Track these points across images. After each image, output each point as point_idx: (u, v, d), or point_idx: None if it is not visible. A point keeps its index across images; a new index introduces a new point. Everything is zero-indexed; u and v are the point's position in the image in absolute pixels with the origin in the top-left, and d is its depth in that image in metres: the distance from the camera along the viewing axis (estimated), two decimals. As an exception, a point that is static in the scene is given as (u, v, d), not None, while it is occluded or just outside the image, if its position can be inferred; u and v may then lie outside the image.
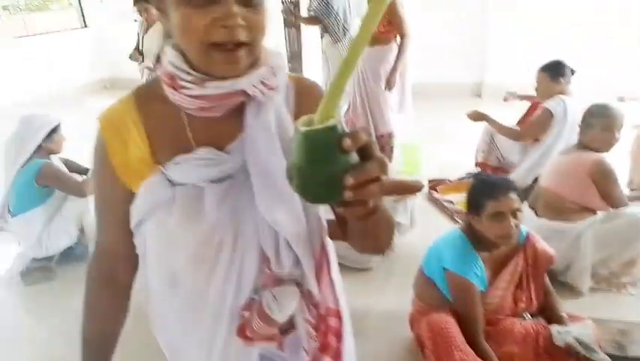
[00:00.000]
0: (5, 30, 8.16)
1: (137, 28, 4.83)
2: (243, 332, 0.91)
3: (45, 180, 3.08)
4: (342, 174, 0.54)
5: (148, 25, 4.64)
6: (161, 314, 1.00)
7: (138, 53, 4.80)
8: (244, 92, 0.83)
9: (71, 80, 8.11)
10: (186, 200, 0.86)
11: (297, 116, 0.88)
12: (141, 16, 4.65)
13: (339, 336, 0.95)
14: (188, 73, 0.81)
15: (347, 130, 0.56)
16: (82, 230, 3.30)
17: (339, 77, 0.54)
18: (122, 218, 0.92)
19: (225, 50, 0.77)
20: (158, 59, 4.47)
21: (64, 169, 3.29)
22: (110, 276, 1.02)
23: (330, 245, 0.99)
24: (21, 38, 7.99)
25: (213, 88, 0.81)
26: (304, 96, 0.95)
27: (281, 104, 0.90)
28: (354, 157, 0.55)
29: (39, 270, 3.17)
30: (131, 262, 0.98)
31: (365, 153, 0.55)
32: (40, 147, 3.11)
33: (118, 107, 0.91)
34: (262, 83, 0.84)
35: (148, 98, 0.90)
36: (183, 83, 0.82)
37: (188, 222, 0.86)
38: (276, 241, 0.89)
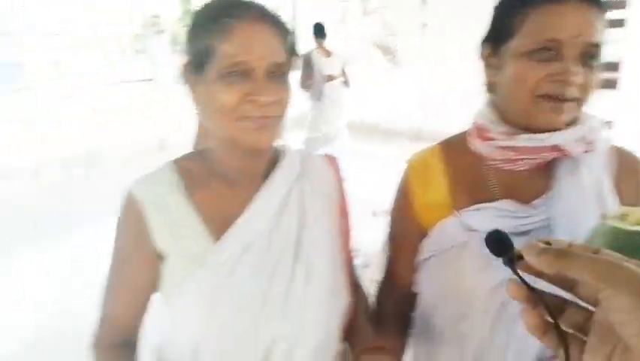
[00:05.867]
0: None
1: None
2: None
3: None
4: None
5: None
6: (432, 358, 0.99)
7: None
8: (557, 148, 0.82)
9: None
10: (481, 248, 0.85)
11: (616, 190, 0.85)
12: None
13: None
14: (499, 124, 0.86)
15: None
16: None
17: None
18: (413, 251, 0.97)
19: (554, 100, 0.79)
20: None
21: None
22: (399, 304, 1.05)
23: None
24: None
25: (525, 140, 0.82)
26: (627, 171, 0.88)
27: (600, 170, 0.85)
28: None
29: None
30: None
31: None
32: None
33: (425, 154, 0.99)
34: (579, 141, 0.82)
35: (453, 149, 0.97)
36: (493, 135, 0.86)
37: (480, 270, 0.86)
38: None
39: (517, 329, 0.84)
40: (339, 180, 0.99)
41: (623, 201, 0.84)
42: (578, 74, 0.76)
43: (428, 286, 0.95)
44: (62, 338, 2.68)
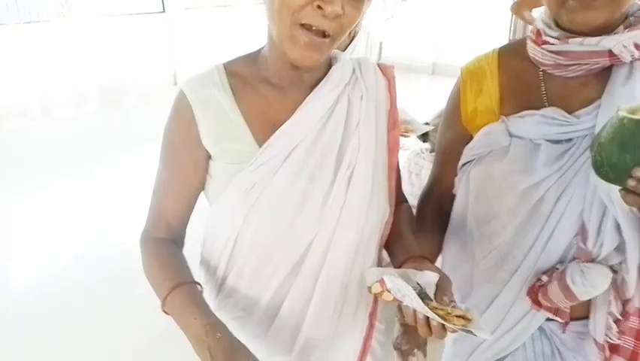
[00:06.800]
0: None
1: None
2: (535, 293, 0.91)
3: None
4: (634, 164, 0.58)
5: None
6: (455, 257, 1.05)
7: None
8: (610, 54, 0.80)
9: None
10: (520, 152, 0.89)
11: None
12: None
13: (638, 338, 0.87)
14: (554, 28, 0.84)
15: None
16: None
17: None
18: (458, 156, 0.99)
19: None
20: None
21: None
22: (439, 206, 1.08)
23: None
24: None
25: (576, 44, 0.81)
26: None
27: None
28: None
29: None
30: None
31: None
32: None
33: (481, 59, 0.99)
34: (636, 46, 0.80)
35: (510, 55, 0.96)
36: (547, 39, 0.85)
37: (516, 172, 0.88)
38: (603, 218, 0.84)
39: (543, 233, 0.87)
40: (393, 90, 0.97)
41: None
42: None
43: (465, 187, 0.98)
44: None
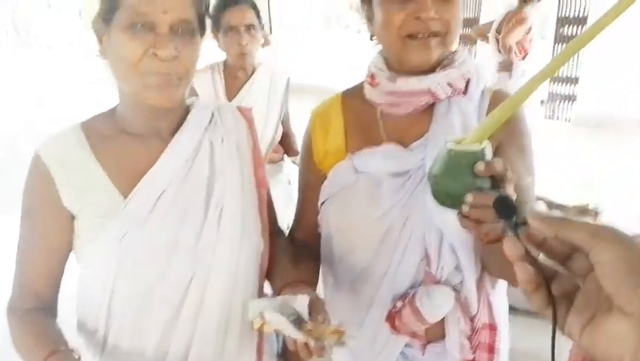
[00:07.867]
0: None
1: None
2: (392, 319, 0.96)
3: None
4: (465, 191, 0.63)
5: None
6: (331, 288, 1.09)
7: None
8: (430, 92, 0.89)
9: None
10: (366, 186, 0.96)
11: None
12: None
13: (491, 351, 0.93)
14: (384, 71, 0.94)
15: (489, 158, 0.64)
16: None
17: (500, 111, 0.61)
18: (317, 195, 1.04)
19: (418, 38, 0.86)
20: None
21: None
22: (308, 240, 1.11)
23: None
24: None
25: (402, 84, 0.91)
26: None
27: (470, 113, 0.92)
28: (487, 182, 0.64)
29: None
30: None
31: (496, 181, 0.63)
32: None
33: (327, 103, 1.06)
34: (449, 84, 0.89)
35: (351, 97, 1.04)
36: (379, 80, 0.94)
37: (365, 205, 0.95)
38: (441, 242, 0.91)
39: (394, 258, 0.94)
40: (252, 131, 1.02)
41: (495, 142, 0.89)
42: (431, 10, 0.83)
43: (326, 223, 1.03)
44: None
